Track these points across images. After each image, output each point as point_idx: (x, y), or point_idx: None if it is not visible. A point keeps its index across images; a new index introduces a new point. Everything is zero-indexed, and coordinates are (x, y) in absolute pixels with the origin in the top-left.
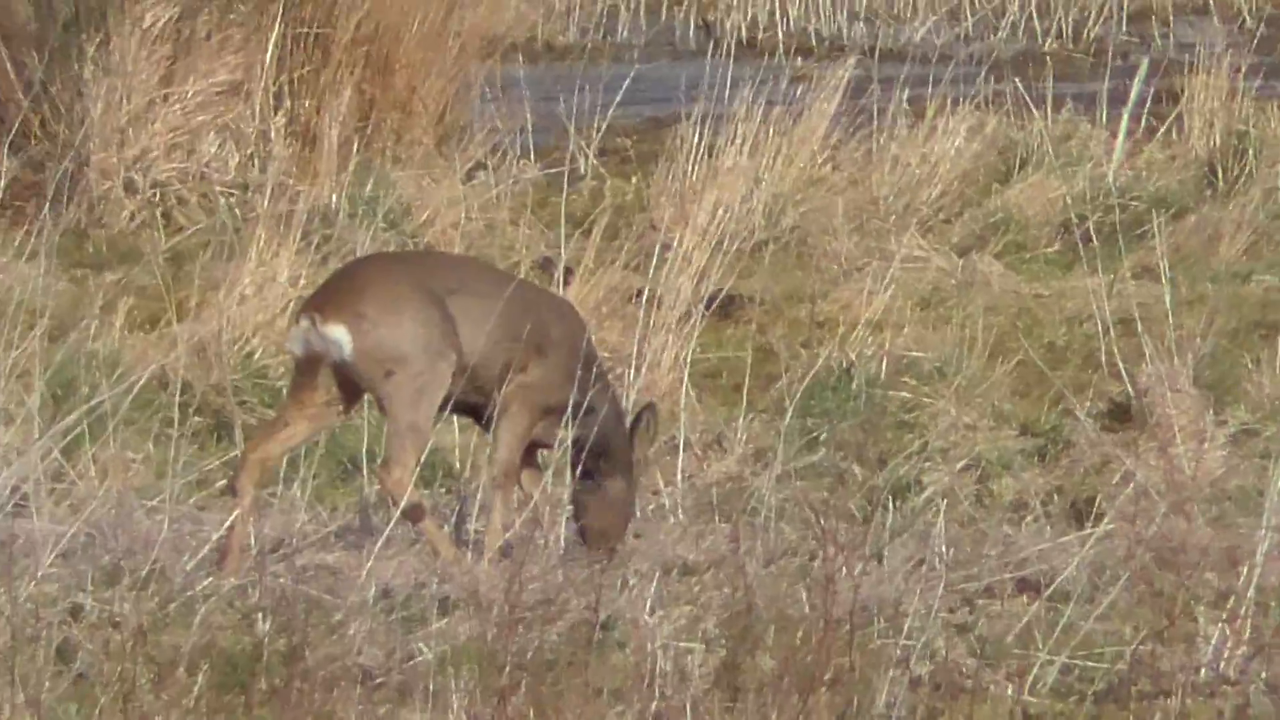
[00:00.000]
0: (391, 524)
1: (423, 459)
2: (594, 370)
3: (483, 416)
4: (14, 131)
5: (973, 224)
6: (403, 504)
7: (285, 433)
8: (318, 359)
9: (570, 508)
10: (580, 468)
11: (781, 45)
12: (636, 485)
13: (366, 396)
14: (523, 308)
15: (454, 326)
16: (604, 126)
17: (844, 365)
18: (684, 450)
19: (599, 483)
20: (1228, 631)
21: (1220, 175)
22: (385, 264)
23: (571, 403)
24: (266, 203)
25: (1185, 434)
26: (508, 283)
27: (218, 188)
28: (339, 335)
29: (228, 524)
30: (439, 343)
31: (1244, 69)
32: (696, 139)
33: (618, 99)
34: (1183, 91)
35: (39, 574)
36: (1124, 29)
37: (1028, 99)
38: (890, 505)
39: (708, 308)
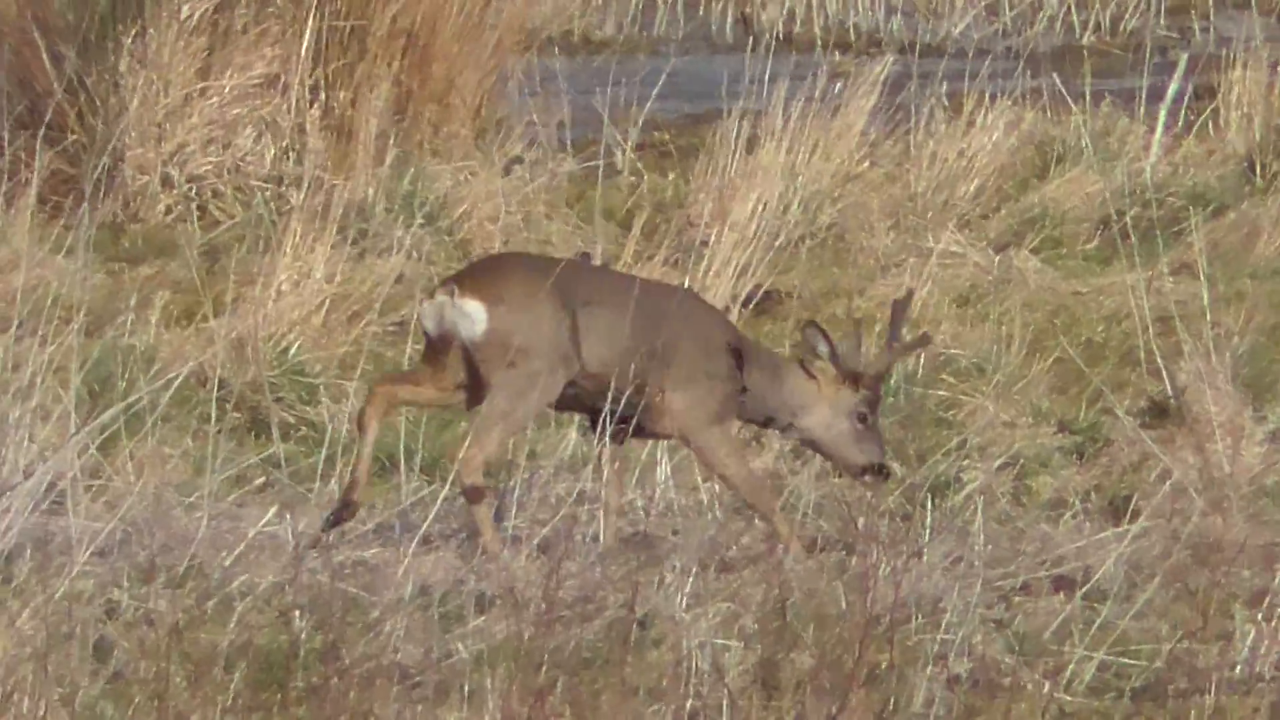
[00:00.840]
0: (429, 521)
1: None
2: (744, 348)
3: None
4: (50, 125)
5: (1010, 219)
6: (467, 481)
7: (414, 388)
8: (449, 339)
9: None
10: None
11: (819, 40)
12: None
13: None
14: (648, 316)
15: (578, 339)
16: (641, 121)
17: None
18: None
19: (799, 428)
20: (1264, 629)
21: (1259, 171)
22: (528, 262)
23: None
24: (302, 197)
25: (1223, 431)
26: (638, 289)
27: (253, 181)
28: (475, 311)
29: (355, 456)
30: (565, 349)
31: None
32: (735, 134)
33: (655, 93)
34: (1221, 86)
35: (75, 571)
36: (1162, 23)
37: (1065, 94)
38: (929, 503)
39: (746, 304)
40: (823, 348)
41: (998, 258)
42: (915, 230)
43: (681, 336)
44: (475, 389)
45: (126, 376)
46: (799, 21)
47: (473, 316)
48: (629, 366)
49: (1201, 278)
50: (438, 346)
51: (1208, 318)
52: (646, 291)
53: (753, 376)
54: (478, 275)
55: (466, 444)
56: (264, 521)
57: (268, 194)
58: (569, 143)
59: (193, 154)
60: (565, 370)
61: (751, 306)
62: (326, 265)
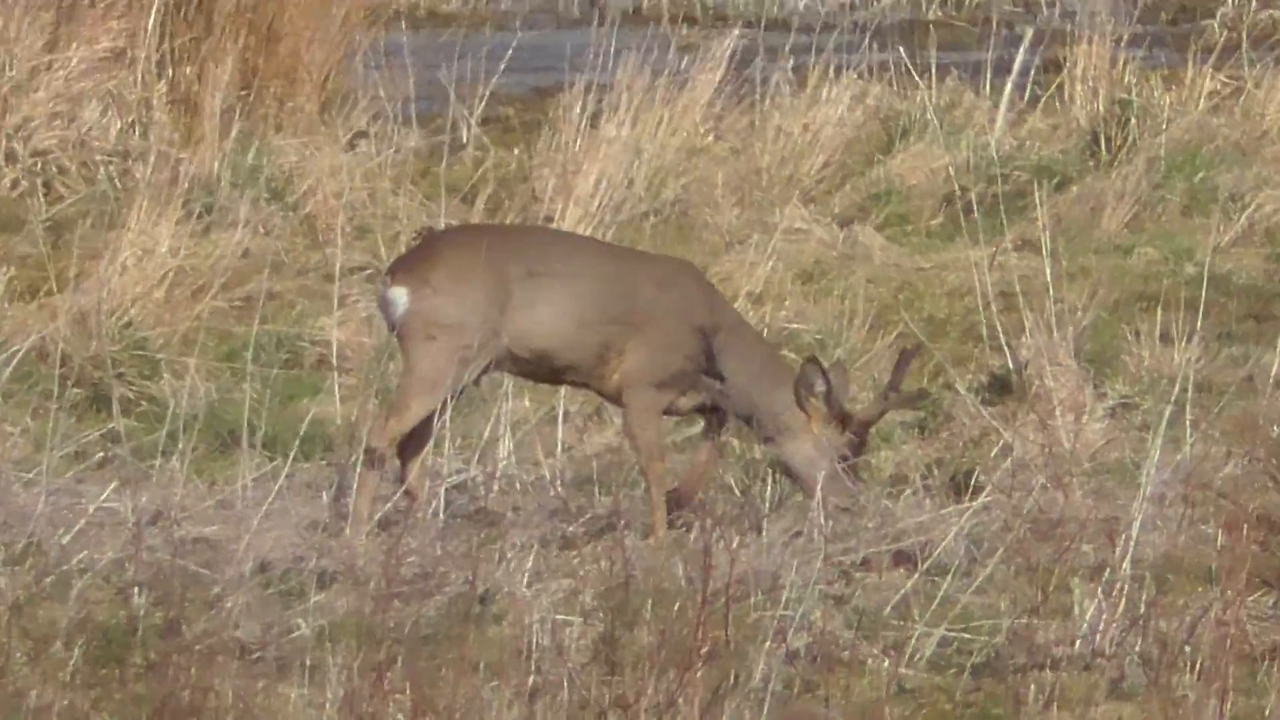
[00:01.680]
0: (270, 497)
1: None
2: (720, 336)
3: (599, 393)
4: None
5: (855, 195)
6: (373, 443)
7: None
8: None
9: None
10: (762, 436)
11: (666, 14)
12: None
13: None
14: (617, 286)
15: (509, 315)
16: (486, 95)
17: None
18: (564, 422)
19: (779, 450)
20: (1103, 604)
21: (1103, 145)
22: (467, 237)
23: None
24: (148, 171)
25: (1065, 407)
26: (605, 260)
27: (99, 156)
28: (398, 297)
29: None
30: (492, 327)
31: (1127, 38)
32: (579, 109)
33: (501, 68)
34: (1066, 60)
35: None
36: None
37: (911, 68)
38: (769, 478)
39: None
40: (820, 386)
41: (842, 233)
42: (760, 205)
43: (658, 306)
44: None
45: None
46: None
47: (396, 302)
48: (591, 339)
49: (1044, 253)
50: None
51: (1050, 293)
52: (618, 258)
53: (734, 370)
54: (409, 260)
55: (384, 411)
56: (104, 497)
57: (113, 168)
58: (414, 117)
59: (38, 128)
60: (492, 346)
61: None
62: (171, 240)
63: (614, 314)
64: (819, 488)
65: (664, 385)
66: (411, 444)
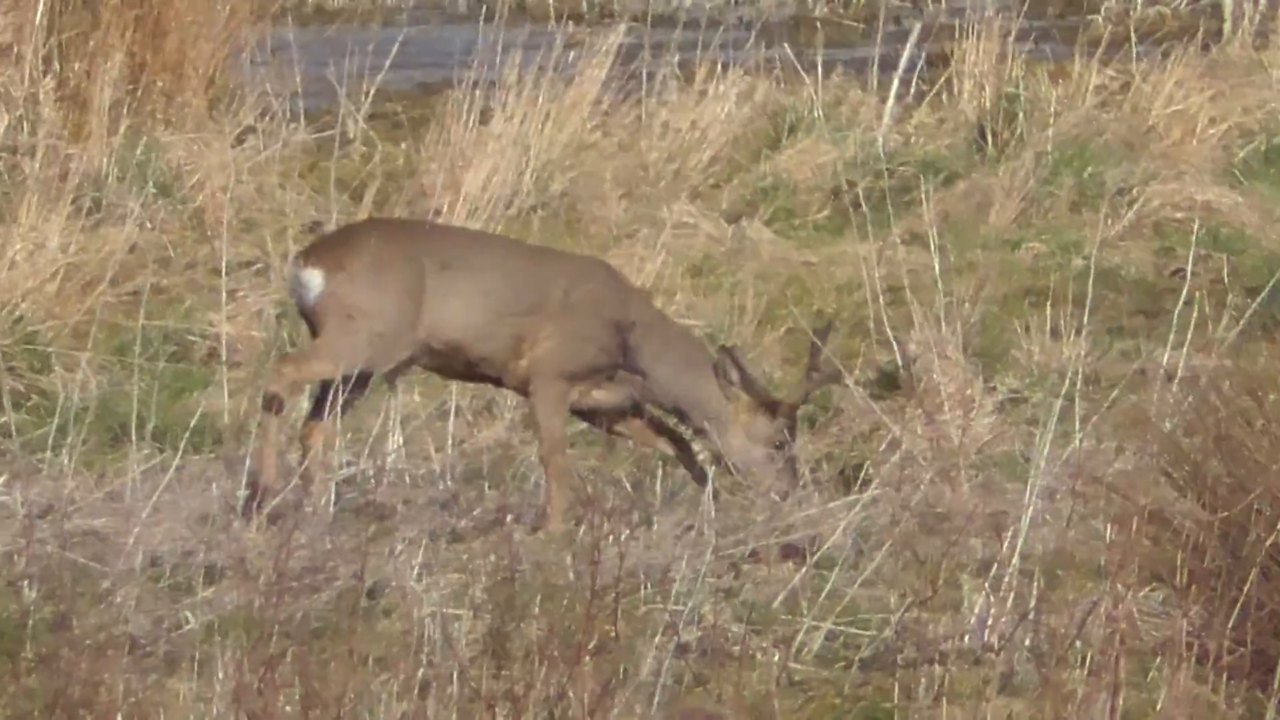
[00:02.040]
0: (159, 490)
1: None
2: (637, 331)
3: (505, 386)
4: None
5: (743, 190)
6: (272, 388)
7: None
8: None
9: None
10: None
11: (553, 10)
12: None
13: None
14: (528, 279)
15: (423, 309)
16: (374, 91)
17: None
18: (454, 416)
19: (710, 441)
20: (992, 599)
21: (990, 139)
22: (385, 228)
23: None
24: (37, 167)
25: (953, 401)
26: (517, 255)
27: None
28: (312, 279)
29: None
30: (410, 319)
31: (1014, 33)
32: (467, 105)
33: (388, 63)
34: (953, 56)
35: None
36: None
37: (798, 64)
38: (659, 472)
39: None
40: (734, 374)
41: (730, 228)
42: (648, 200)
43: (570, 300)
44: None
45: None
46: None
47: (309, 285)
48: (502, 331)
49: (932, 247)
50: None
51: (939, 287)
52: (532, 254)
53: (655, 364)
54: (326, 244)
55: (292, 361)
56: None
57: (1, 164)
58: (302, 113)
59: None
60: (408, 338)
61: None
62: (61, 235)
63: (525, 307)
64: (757, 474)
65: (573, 377)
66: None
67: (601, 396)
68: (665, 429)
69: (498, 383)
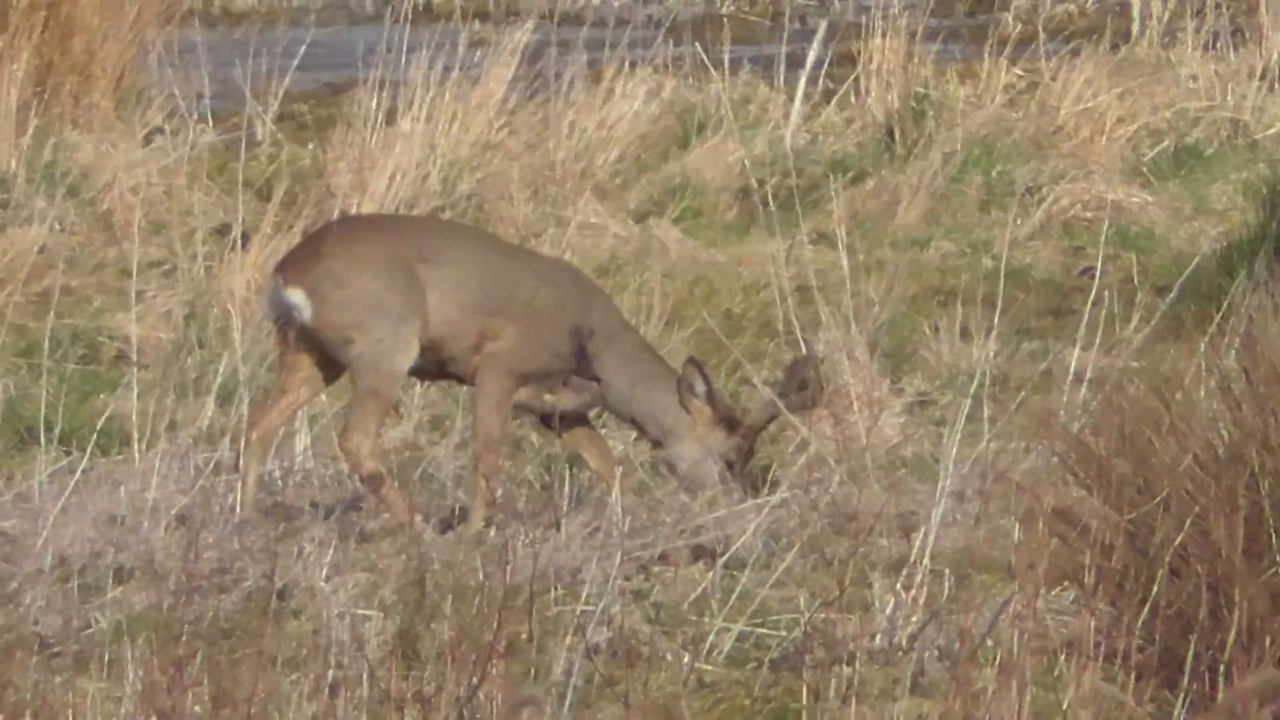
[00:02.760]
0: (68, 492)
1: (382, 424)
2: (596, 338)
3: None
4: None
5: (650, 189)
6: (362, 471)
7: (284, 401)
8: (285, 324)
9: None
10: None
11: (459, 9)
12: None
13: None
14: (500, 276)
15: (421, 293)
16: (281, 92)
17: None
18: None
19: (665, 453)
20: (902, 599)
21: (899, 138)
22: (355, 228)
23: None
24: None
25: (862, 402)
26: (490, 251)
27: None
28: (298, 300)
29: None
30: (401, 308)
31: (921, 31)
32: (374, 105)
33: (295, 64)
34: (861, 54)
35: None
36: None
37: (706, 62)
38: (568, 473)
39: None
40: (700, 386)
41: (638, 227)
42: (555, 200)
43: (535, 300)
44: (329, 362)
45: None
46: None
47: (298, 306)
48: (471, 328)
49: (840, 247)
50: (283, 332)
51: (847, 287)
52: (504, 251)
53: (613, 373)
54: (300, 259)
55: (346, 435)
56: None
57: None
58: (210, 114)
59: None
60: (409, 327)
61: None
62: None
63: (493, 305)
64: (704, 489)
65: (522, 377)
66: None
67: (559, 400)
68: (601, 444)
69: (460, 381)
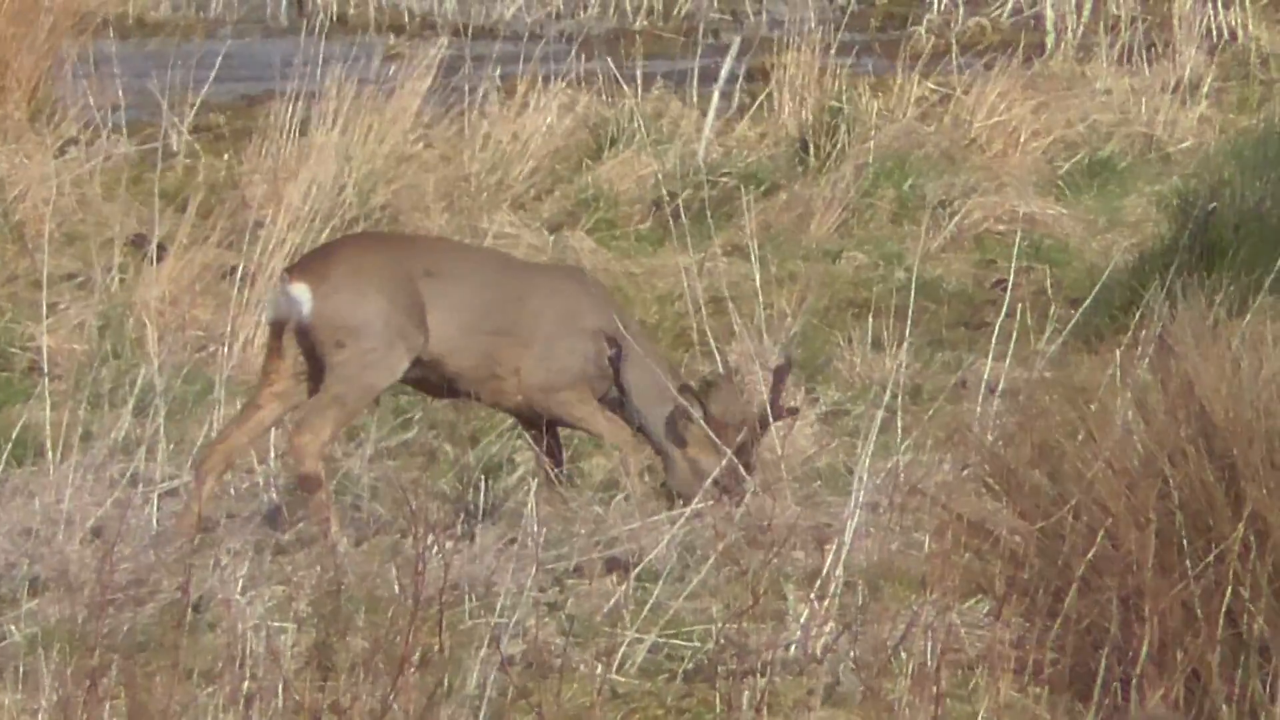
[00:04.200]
0: None
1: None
2: (624, 344)
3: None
4: None
5: (564, 201)
6: (303, 469)
7: (255, 418)
8: (282, 325)
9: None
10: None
11: (374, 22)
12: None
13: None
14: (504, 295)
15: (421, 311)
16: (197, 103)
17: None
18: (276, 428)
19: (664, 465)
20: (816, 609)
21: (812, 152)
22: (365, 240)
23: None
24: None
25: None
26: (497, 270)
27: None
28: (300, 294)
29: (184, 507)
30: (400, 324)
31: (835, 46)
32: (289, 116)
33: (210, 76)
34: (774, 68)
35: None
36: (715, 6)
37: (619, 76)
38: (482, 484)
39: None
40: (696, 411)
41: (552, 238)
42: (469, 211)
43: (543, 314)
44: (314, 370)
45: None
46: (353, 3)
47: (299, 300)
48: (474, 347)
49: (753, 258)
50: (275, 335)
51: (760, 299)
52: (508, 268)
53: (628, 377)
54: (310, 259)
55: (300, 430)
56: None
57: None
58: (125, 125)
59: None
60: (403, 345)
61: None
62: None
63: (497, 325)
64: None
65: (575, 386)
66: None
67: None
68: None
69: (478, 399)
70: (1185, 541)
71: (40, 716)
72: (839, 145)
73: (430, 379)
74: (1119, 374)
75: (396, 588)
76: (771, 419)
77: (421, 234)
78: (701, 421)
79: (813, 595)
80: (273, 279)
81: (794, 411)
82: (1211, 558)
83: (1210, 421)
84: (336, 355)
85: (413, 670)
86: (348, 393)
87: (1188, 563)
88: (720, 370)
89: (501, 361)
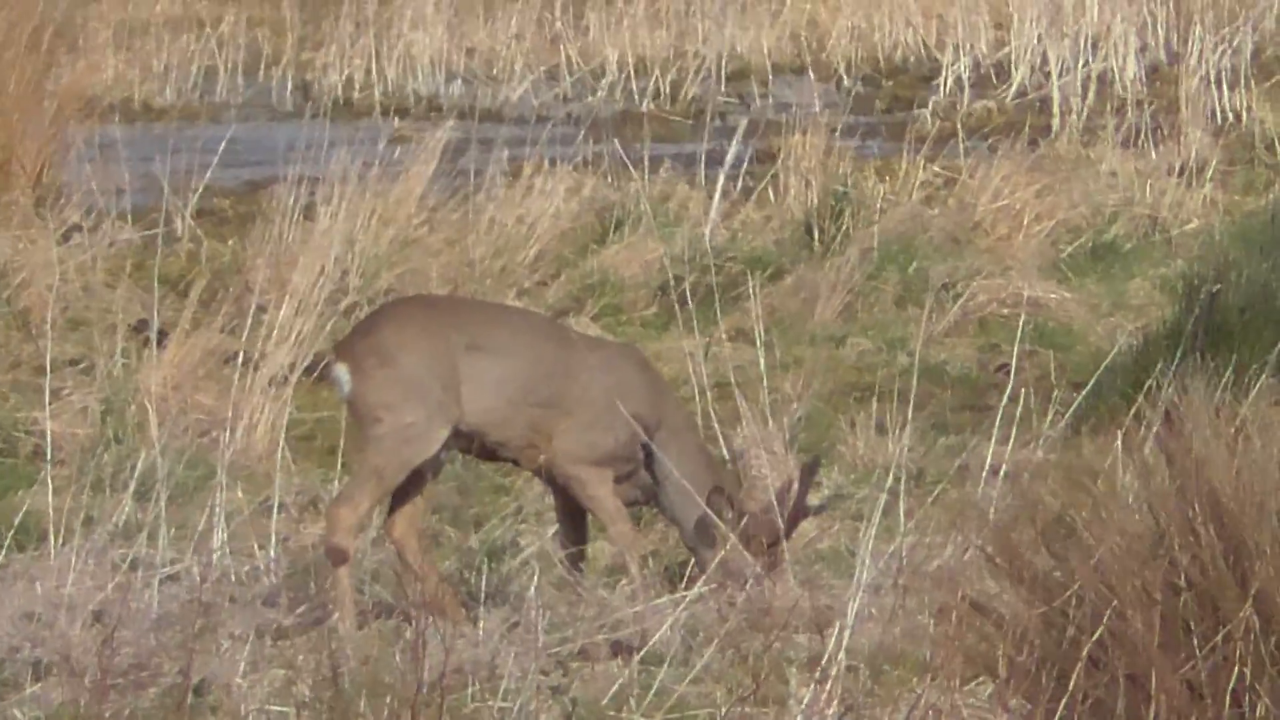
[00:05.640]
0: None
1: (372, 511)
2: (662, 433)
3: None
4: None
5: (570, 285)
6: (334, 540)
7: (408, 494)
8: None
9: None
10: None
11: (379, 106)
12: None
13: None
14: (551, 370)
15: (458, 387)
16: (201, 188)
17: None
18: (279, 512)
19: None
20: (819, 693)
21: (817, 235)
22: (408, 310)
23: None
24: None
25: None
26: (546, 342)
27: None
28: (341, 374)
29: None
30: (440, 398)
31: (840, 128)
32: (293, 201)
33: (215, 160)
34: (780, 151)
35: None
36: (722, 89)
37: (626, 159)
38: (486, 568)
39: (304, 371)
40: (727, 514)
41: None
42: (475, 296)
43: (591, 389)
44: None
45: None
46: (358, 87)
47: (340, 380)
48: (519, 418)
49: (758, 343)
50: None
51: (764, 383)
52: (562, 342)
53: (663, 470)
54: (352, 335)
55: (338, 502)
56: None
57: None
58: (129, 210)
59: None
60: (441, 420)
61: (309, 373)
62: None
63: (542, 398)
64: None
65: (598, 464)
66: (401, 524)
67: (621, 493)
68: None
69: (516, 463)
70: (1192, 621)
71: None
72: (844, 229)
73: (472, 447)
74: (1122, 454)
75: (399, 672)
76: (798, 518)
77: (469, 299)
78: (733, 525)
79: (814, 680)
80: (274, 363)
81: (821, 509)
82: (1219, 638)
83: (1218, 501)
84: (375, 429)
85: None
86: (386, 466)
87: (1195, 641)
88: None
89: (541, 430)
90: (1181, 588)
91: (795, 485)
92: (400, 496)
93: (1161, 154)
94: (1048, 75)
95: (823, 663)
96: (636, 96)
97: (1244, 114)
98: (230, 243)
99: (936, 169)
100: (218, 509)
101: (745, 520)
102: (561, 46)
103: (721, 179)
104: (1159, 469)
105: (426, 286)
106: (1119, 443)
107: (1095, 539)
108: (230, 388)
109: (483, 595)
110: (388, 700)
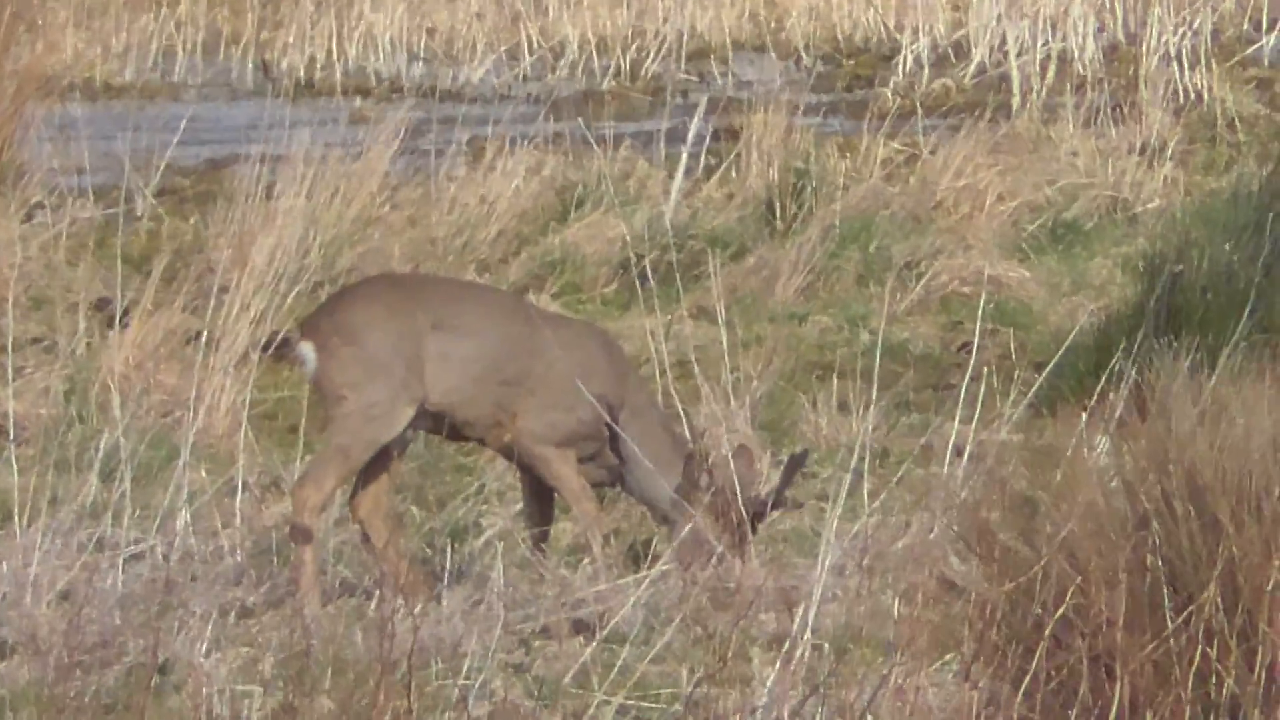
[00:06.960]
0: None
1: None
2: (625, 413)
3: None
4: None
5: (530, 263)
6: (299, 520)
7: (374, 473)
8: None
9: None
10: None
11: (340, 86)
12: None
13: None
14: (517, 349)
15: (423, 365)
16: (162, 167)
17: None
18: (242, 492)
19: (674, 533)
20: (784, 673)
21: (779, 213)
22: (373, 289)
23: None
24: None
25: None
26: (511, 321)
27: None
28: (307, 353)
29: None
30: (404, 377)
31: (802, 106)
32: (254, 180)
33: (176, 139)
34: (742, 129)
35: None
36: (683, 67)
37: (587, 138)
38: (449, 547)
39: (265, 350)
40: (703, 481)
41: None
42: (437, 274)
43: (555, 368)
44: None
45: None
46: (319, 67)
47: (307, 358)
48: (484, 398)
49: (720, 321)
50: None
51: (726, 361)
52: (527, 319)
53: (629, 450)
54: (317, 313)
55: (302, 483)
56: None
57: None
58: (90, 189)
59: None
60: (405, 399)
61: (270, 352)
62: None
63: (508, 376)
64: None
65: (561, 443)
66: (367, 503)
67: (588, 474)
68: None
69: (482, 442)
70: (1162, 598)
71: None
72: (805, 207)
73: (440, 427)
74: (1087, 433)
75: (363, 649)
76: (775, 506)
77: (435, 277)
78: (703, 494)
79: (779, 659)
80: (236, 343)
81: (799, 505)
82: (1183, 618)
83: (1192, 476)
84: (339, 408)
85: None
86: (351, 445)
87: (1164, 619)
88: (738, 447)
89: (506, 408)
90: (1150, 568)
91: (780, 473)
92: (366, 476)
93: (1122, 133)
94: (1006, 55)
95: (787, 642)
96: (597, 75)
97: (1205, 93)
98: (192, 221)
99: (897, 145)
100: (181, 488)
101: (717, 494)
102: (522, 25)
103: (684, 157)
104: (1135, 447)
105: (388, 265)
106: (1081, 423)
107: (1062, 518)
108: (193, 366)
109: (446, 574)
110: (353, 678)
